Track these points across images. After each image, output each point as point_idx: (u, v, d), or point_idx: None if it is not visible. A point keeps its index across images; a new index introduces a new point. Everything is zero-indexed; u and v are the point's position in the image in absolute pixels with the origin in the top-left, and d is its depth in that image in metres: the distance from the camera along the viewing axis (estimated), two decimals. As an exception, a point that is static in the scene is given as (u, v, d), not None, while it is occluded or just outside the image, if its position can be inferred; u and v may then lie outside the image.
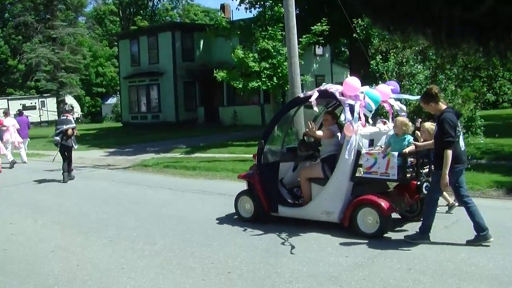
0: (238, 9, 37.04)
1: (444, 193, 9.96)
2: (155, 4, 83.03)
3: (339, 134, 9.83)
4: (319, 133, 9.98)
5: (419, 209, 9.67)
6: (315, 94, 9.70)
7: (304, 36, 27.01)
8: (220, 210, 11.36)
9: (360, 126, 9.13)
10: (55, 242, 9.79)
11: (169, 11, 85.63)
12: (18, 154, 24.01)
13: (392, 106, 10.47)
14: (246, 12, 31.16)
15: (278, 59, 28.49)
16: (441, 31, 2.43)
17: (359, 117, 9.15)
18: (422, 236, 8.53)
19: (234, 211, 10.86)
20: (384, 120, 10.43)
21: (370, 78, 19.97)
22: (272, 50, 28.48)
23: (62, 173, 17.56)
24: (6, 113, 24.58)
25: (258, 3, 30.76)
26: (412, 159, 9.13)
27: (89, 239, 9.91)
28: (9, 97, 63.23)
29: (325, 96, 9.92)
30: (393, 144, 9.11)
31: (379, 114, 10.67)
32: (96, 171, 20.47)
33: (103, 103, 77.94)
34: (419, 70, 18.68)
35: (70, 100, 56.80)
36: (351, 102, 9.23)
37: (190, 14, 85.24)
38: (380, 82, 19.62)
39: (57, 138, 17.70)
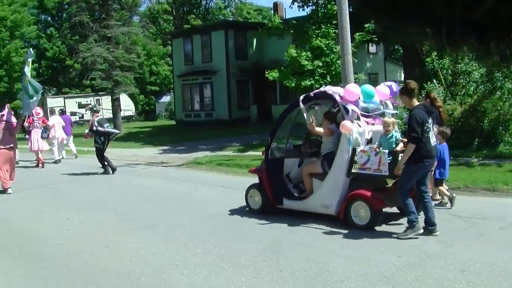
0: (291, 8, 37.22)
1: (442, 188, 11.15)
2: (208, 3, 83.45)
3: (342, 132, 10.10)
4: (319, 129, 10.52)
5: (415, 204, 9.68)
6: (301, 96, 10.76)
7: (357, 34, 26.87)
8: (276, 209, 11.34)
9: (356, 125, 9.91)
10: (110, 238, 9.96)
11: (222, 9, 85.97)
12: (70, 151, 24.94)
13: (387, 106, 10.92)
14: (299, 10, 31.25)
15: (331, 57, 28.37)
16: (441, 31, 2.41)
17: (356, 117, 10.03)
18: (412, 229, 8.93)
19: (294, 211, 10.88)
20: (395, 120, 10.50)
21: (424, 76, 19.74)
22: (325, 48, 28.39)
23: (106, 166, 19.21)
24: (52, 111, 25.40)
25: (311, 1, 30.71)
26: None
27: (143, 236, 10.04)
28: (66, 96, 64.55)
29: (324, 97, 10.73)
30: (383, 142, 9.70)
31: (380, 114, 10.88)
32: (149, 168, 20.71)
33: (157, 101, 78.78)
34: (475, 68, 18.36)
35: (124, 98, 57.63)
36: (350, 105, 10.00)
37: (243, 12, 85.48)
38: (435, 80, 19.42)
39: (116, 130, 19.67)
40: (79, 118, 62.95)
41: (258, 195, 11.45)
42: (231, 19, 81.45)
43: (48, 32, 72.86)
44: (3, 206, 13.99)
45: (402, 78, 33.35)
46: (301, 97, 10.84)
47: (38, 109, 23.40)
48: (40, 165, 22.69)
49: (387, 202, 9.80)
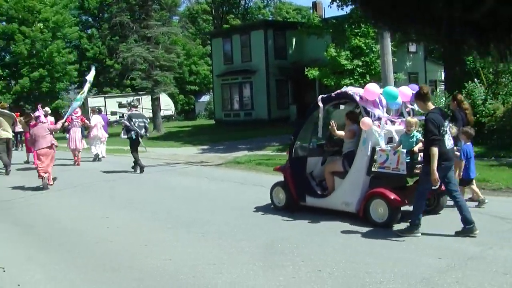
0: (331, 7, 37.10)
1: (474, 187, 11.28)
2: (247, 2, 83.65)
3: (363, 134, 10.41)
4: (340, 133, 10.95)
5: (436, 202, 10.42)
6: (320, 97, 11.07)
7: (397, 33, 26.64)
8: (310, 208, 11.33)
9: (376, 124, 10.18)
10: (148, 236, 10.07)
11: (261, 9, 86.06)
12: (94, 149, 24.97)
13: (406, 108, 11.20)
14: (338, 9, 31.03)
15: (371, 56, 28.22)
16: (441, 32, 2.37)
17: (377, 117, 10.32)
18: (411, 229, 9.10)
19: (326, 210, 10.87)
20: (417, 120, 10.68)
21: (466, 75, 19.51)
22: (365, 48, 28.25)
23: (137, 163, 19.51)
24: (94, 111, 26.07)
25: (350, 0, 30.56)
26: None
27: (181, 234, 10.14)
28: (106, 95, 65.26)
29: (344, 97, 10.98)
30: (403, 141, 10.03)
31: (401, 114, 11.19)
32: (189, 167, 20.82)
33: (197, 100, 79.21)
34: (518, 67, 18.10)
35: (164, 98, 58.04)
36: (370, 105, 10.35)
37: (282, 12, 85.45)
38: (476, 79, 19.17)
39: (140, 131, 19.33)
40: (119, 117, 63.60)
41: (282, 193, 11.80)
42: (270, 18, 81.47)
43: (89, 32, 73.72)
44: (44, 204, 14.23)
45: (443, 78, 32.97)
46: (320, 97, 11.19)
47: (77, 109, 23.72)
48: (77, 163, 23.29)
49: (406, 201, 9.92)
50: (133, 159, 19.70)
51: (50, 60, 62.33)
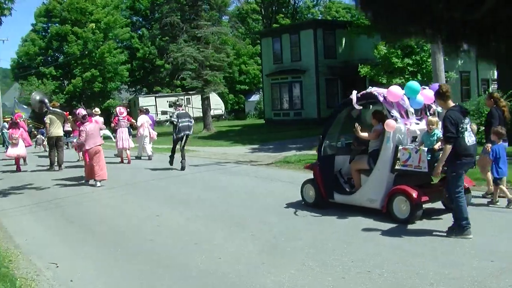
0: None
1: (502, 187, 11.25)
2: (297, 2, 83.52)
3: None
4: (364, 134, 11.34)
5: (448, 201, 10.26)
6: (354, 95, 11.38)
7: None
8: (360, 207, 11.28)
9: (401, 124, 10.55)
10: (199, 234, 10.16)
11: (311, 8, 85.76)
12: (144, 148, 25.50)
13: (429, 109, 11.39)
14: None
15: (422, 55, 27.90)
16: (441, 32, 2.35)
17: (401, 116, 10.71)
18: (461, 231, 9.00)
19: (376, 209, 10.83)
20: (438, 120, 10.80)
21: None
22: (416, 46, 27.95)
23: (172, 159, 20.52)
24: (141, 111, 26.59)
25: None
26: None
27: (232, 233, 10.20)
28: (157, 95, 66.04)
29: (370, 98, 11.28)
30: (425, 140, 10.34)
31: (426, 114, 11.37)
32: (239, 167, 20.91)
33: (247, 100, 79.38)
34: None
35: (214, 97, 58.38)
36: (390, 106, 10.74)
37: (331, 11, 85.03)
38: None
39: (187, 132, 20.32)
40: (170, 116, 64.20)
41: (312, 190, 12.25)
42: (319, 17, 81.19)
43: (139, 32, 74.58)
44: (97, 202, 14.51)
45: (495, 76, 32.40)
46: (354, 96, 11.43)
47: (122, 109, 24.76)
48: (126, 161, 23.80)
49: (429, 199, 10.27)
50: (173, 155, 20.64)
51: (101, 61, 63.42)
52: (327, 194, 11.90)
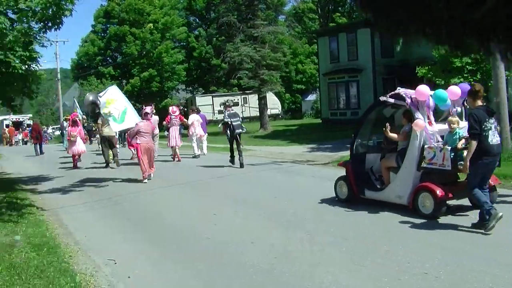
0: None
1: None
2: (353, 0, 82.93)
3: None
4: (393, 135, 11.81)
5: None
6: (389, 95, 11.78)
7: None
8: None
9: (427, 123, 10.98)
10: (255, 233, 10.17)
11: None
12: (201, 147, 26.36)
13: (455, 106, 11.66)
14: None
15: (481, 53, 27.40)
16: (441, 31, 2.30)
17: (428, 116, 11.15)
18: (491, 220, 9.33)
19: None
20: (458, 119, 11.21)
21: None
22: (475, 44, 27.45)
23: (233, 158, 21.12)
24: (192, 110, 27.56)
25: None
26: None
27: (288, 233, 10.17)
28: (213, 94, 66.47)
29: (398, 98, 11.62)
30: (448, 139, 10.77)
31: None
32: (295, 166, 20.89)
33: (303, 99, 79.25)
34: None
35: (271, 97, 58.48)
36: (415, 107, 11.13)
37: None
38: None
39: (240, 130, 21.01)
40: (222, 117, 64.60)
41: (345, 186, 12.84)
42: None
43: (196, 32, 75.15)
44: (152, 201, 14.72)
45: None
46: (388, 97, 11.78)
47: (175, 108, 25.71)
48: (177, 159, 24.51)
49: (453, 196, 10.74)
50: (233, 155, 21.23)
51: (159, 60, 64.17)
52: (358, 191, 12.49)
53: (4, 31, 11.87)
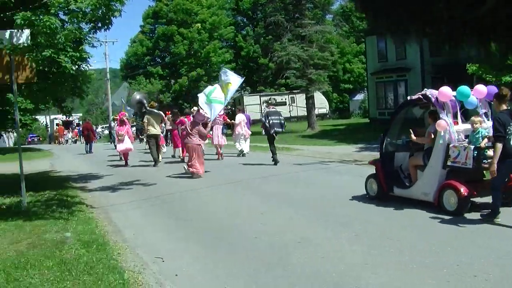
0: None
1: None
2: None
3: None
4: (420, 140, 12.29)
5: (507, 195, 11.20)
6: (412, 97, 12.57)
7: None
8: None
9: (451, 123, 11.50)
10: (302, 233, 10.13)
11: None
12: (240, 145, 26.87)
13: (481, 105, 12.12)
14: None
15: (535, 50, 26.86)
16: (441, 32, 2.26)
17: (453, 116, 11.76)
18: (490, 217, 10.21)
19: (480, 211, 10.94)
20: (481, 119, 11.69)
21: None
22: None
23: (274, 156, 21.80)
24: (239, 109, 28.68)
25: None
26: (490, 152, 10.60)
27: (335, 233, 10.11)
28: (261, 94, 66.59)
29: (425, 99, 12.11)
30: (471, 139, 11.23)
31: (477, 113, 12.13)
32: (343, 166, 20.80)
33: (351, 99, 78.90)
34: None
35: (318, 96, 58.32)
36: (441, 107, 11.61)
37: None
38: None
39: (278, 129, 21.70)
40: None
41: (375, 184, 13.36)
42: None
43: (243, 32, 75.37)
44: (200, 200, 14.81)
45: None
46: (415, 97, 12.43)
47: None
48: (220, 157, 25.27)
49: (476, 193, 11.15)
50: (271, 153, 21.95)
51: (207, 60, 64.59)
52: (387, 188, 12.95)
53: (56, 30, 12.10)
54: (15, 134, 42.54)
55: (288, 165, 21.22)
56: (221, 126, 26.05)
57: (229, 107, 58.51)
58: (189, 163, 19.38)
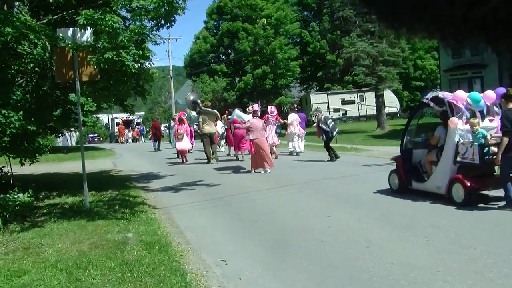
0: None
1: None
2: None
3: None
4: (432, 141, 13.97)
5: None
6: (430, 97, 13.92)
7: None
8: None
9: (461, 122, 12.82)
10: (370, 237, 10.07)
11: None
12: (299, 145, 27.81)
13: (489, 109, 13.64)
14: None
15: None
16: (444, 29, 2.20)
17: (462, 116, 12.92)
18: (509, 206, 11.70)
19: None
20: (492, 118, 13.41)
21: None
22: None
23: (332, 154, 23.40)
24: (291, 108, 29.39)
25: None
26: (494, 148, 12.27)
27: (404, 237, 10.02)
28: (328, 92, 66.31)
29: (437, 101, 13.66)
30: (473, 138, 12.66)
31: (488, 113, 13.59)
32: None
33: (422, 97, 77.60)
34: None
35: (388, 94, 57.77)
36: (455, 107, 13.05)
37: None
38: None
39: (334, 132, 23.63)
40: (342, 114, 64.23)
41: (397, 178, 14.99)
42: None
43: (309, 28, 75.13)
44: (263, 201, 14.83)
45: None
46: (429, 99, 13.87)
47: (273, 108, 27.35)
48: (274, 156, 25.49)
49: (482, 187, 12.75)
50: (331, 151, 23.53)
51: (272, 57, 64.59)
52: (407, 182, 14.50)
53: (118, 30, 12.33)
54: (77, 133, 43.44)
55: (357, 166, 21.09)
56: (275, 126, 26.80)
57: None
58: (252, 163, 20.80)
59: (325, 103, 62.15)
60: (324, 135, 23.39)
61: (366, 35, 44.14)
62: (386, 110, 50.76)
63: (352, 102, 64.69)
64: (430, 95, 14.07)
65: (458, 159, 12.77)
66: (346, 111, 65.07)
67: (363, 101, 64.55)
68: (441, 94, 13.70)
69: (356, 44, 43.06)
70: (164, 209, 14.43)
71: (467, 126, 12.88)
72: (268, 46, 64.30)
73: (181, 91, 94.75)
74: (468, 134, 12.85)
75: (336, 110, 63.81)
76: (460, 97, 13.06)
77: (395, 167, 15.24)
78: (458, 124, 12.80)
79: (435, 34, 2.69)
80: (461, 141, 12.78)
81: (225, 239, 10.85)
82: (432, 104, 13.76)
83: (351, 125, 54.80)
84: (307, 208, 13.41)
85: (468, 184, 12.37)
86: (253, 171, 20.78)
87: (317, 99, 62.34)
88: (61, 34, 13.20)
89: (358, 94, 64.39)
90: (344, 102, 65.05)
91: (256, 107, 22.90)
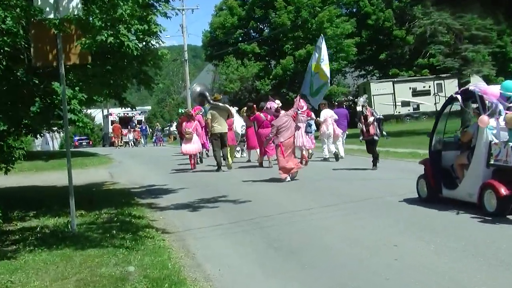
0: None
1: None
2: None
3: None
4: (463, 138, 15.04)
5: None
6: (458, 92, 15.24)
7: None
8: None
9: (494, 120, 13.54)
10: (457, 277, 9.97)
11: None
12: (337, 148, 28.58)
13: None
14: None
15: None
16: (499, 8, 2.23)
17: (496, 112, 13.64)
18: None
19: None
20: None
21: None
22: None
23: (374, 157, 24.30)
24: (323, 104, 29.40)
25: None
26: None
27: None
28: (395, 79, 65.55)
29: (468, 95, 14.93)
30: (509, 136, 13.21)
31: None
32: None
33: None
34: None
35: (476, 81, 57.22)
36: (487, 102, 13.94)
37: None
38: None
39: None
40: (413, 109, 63.39)
41: (425, 185, 15.84)
42: None
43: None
44: (306, 224, 14.71)
45: None
46: (458, 94, 15.17)
47: (302, 103, 26.17)
48: (304, 162, 26.24)
49: None
50: (372, 157, 24.38)
51: (319, 33, 64.30)
52: (436, 189, 15.43)
53: (116, 1, 12.07)
54: (61, 134, 43.33)
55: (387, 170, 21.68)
56: (305, 124, 26.48)
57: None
58: (280, 167, 21.68)
59: (390, 94, 61.77)
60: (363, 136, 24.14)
61: (446, 3, 43.88)
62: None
63: (427, 92, 63.98)
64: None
65: (491, 161, 13.57)
66: (418, 105, 64.19)
67: (442, 91, 63.74)
68: (472, 88, 14.65)
69: (432, 14, 42.75)
70: (177, 234, 14.47)
71: (502, 123, 13.50)
72: (314, 19, 64.12)
73: (200, 78, 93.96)
74: (504, 133, 13.43)
75: (405, 104, 63.21)
76: (492, 93, 13.92)
77: (423, 172, 16.10)
78: (489, 123, 13.53)
79: (490, 13, 2.77)
80: (494, 140, 13.52)
81: (256, 273, 10.81)
82: (459, 98, 14.77)
83: (425, 124, 53.66)
84: (366, 234, 13.18)
85: (502, 191, 12.94)
86: (288, 179, 21.68)
87: (378, 89, 61.97)
88: (39, 1, 13.02)
89: (435, 82, 63.78)
90: (415, 93, 64.27)
91: (274, 104, 23.79)
